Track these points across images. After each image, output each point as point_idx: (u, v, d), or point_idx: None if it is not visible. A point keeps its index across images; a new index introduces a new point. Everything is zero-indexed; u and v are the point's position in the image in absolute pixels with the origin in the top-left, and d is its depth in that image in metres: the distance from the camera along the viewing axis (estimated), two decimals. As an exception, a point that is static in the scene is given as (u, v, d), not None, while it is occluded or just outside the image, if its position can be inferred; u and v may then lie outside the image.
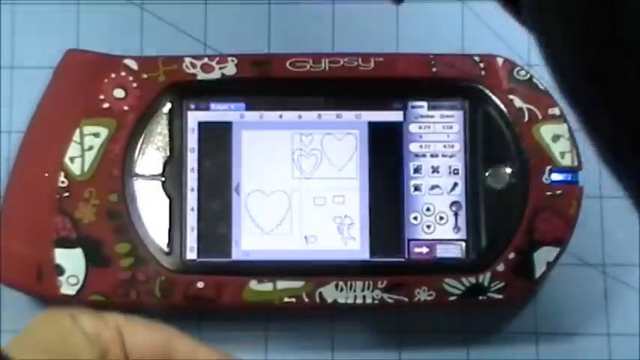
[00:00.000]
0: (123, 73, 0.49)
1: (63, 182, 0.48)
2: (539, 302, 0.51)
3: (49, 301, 0.51)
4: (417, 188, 0.49)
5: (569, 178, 0.48)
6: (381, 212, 0.49)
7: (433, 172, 0.49)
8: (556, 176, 0.48)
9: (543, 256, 0.48)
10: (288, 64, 0.49)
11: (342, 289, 0.48)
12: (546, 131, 0.49)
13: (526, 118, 0.49)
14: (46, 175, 0.48)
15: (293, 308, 0.48)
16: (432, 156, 0.49)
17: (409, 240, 0.49)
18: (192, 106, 0.50)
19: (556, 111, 0.49)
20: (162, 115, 0.49)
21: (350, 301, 0.48)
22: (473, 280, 0.48)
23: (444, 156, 0.49)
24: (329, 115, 0.50)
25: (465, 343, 0.51)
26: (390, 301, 0.48)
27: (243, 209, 0.49)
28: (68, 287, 0.47)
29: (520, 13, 0.29)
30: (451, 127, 0.49)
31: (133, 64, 0.49)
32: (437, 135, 0.49)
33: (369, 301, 0.48)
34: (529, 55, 0.53)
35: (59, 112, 0.49)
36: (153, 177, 0.49)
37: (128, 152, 0.49)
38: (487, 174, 0.49)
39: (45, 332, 0.35)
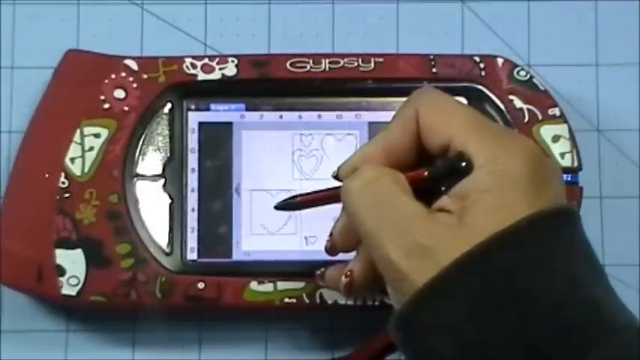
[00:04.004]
0: (123, 74, 0.49)
1: (63, 183, 0.48)
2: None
3: (49, 302, 0.51)
4: (417, 189, 0.49)
5: (569, 179, 0.48)
6: (382, 213, 0.49)
7: (433, 172, 0.49)
8: (556, 177, 0.48)
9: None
10: (288, 64, 0.49)
11: (342, 290, 0.48)
12: (546, 132, 0.49)
13: (526, 119, 0.49)
14: (47, 175, 0.48)
15: (293, 309, 0.48)
16: (432, 156, 0.49)
17: (409, 240, 0.49)
18: (193, 107, 0.50)
19: (556, 111, 0.49)
20: (162, 115, 0.49)
21: (350, 302, 0.48)
22: (473, 280, 0.48)
23: (444, 156, 0.49)
24: (329, 116, 0.50)
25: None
26: (390, 301, 0.48)
27: (243, 210, 0.49)
28: (69, 288, 0.47)
29: None
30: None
31: (133, 65, 0.49)
32: (437, 135, 0.49)
33: (369, 302, 0.48)
34: (529, 55, 0.53)
35: (59, 112, 0.49)
36: (153, 177, 0.49)
37: (128, 153, 0.49)
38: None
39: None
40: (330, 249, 0.42)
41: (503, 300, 0.32)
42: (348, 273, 0.41)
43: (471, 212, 0.34)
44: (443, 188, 0.36)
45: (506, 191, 0.34)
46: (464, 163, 0.35)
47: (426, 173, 0.37)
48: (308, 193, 0.42)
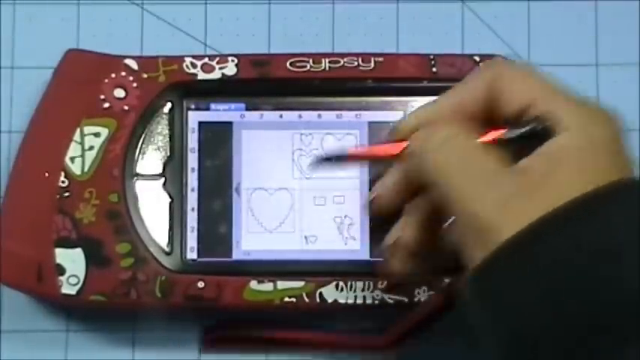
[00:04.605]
0: (123, 73, 0.49)
1: (63, 182, 0.48)
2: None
3: (49, 301, 0.51)
4: (417, 188, 0.49)
5: (569, 178, 0.48)
6: (382, 212, 0.49)
7: (433, 172, 0.49)
8: (556, 176, 0.48)
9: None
10: (288, 64, 0.49)
11: (342, 289, 0.48)
12: (546, 131, 0.49)
13: (526, 118, 0.49)
14: (47, 175, 0.48)
15: (293, 308, 0.48)
16: (432, 156, 0.49)
17: (409, 240, 0.49)
18: (193, 106, 0.50)
19: (556, 111, 0.49)
20: (162, 115, 0.49)
21: (350, 301, 0.48)
22: (473, 279, 0.48)
23: (444, 156, 0.49)
24: (329, 115, 0.50)
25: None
26: (390, 301, 0.48)
27: (243, 209, 0.49)
28: (68, 287, 0.47)
29: None
30: (451, 127, 0.49)
31: (133, 64, 0.49)
32: (437, 135, 0.49)
33: (369, 301, 0.48)
34: (529, 55, 0.53)
35: (59, 112, 0.49)
36: (153, 177, 0.49)
37: (128, 152, 0.49)
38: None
39: None
40: (373, 205, 0.42)
41: (597, 255, 0.32)
42: (400, 228, 0.41)
43: (559, 172, 0.34)
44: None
45: (597, 154, 0.34)
46: (544, 126, 0.35)
47: (502, 132, 0.37)
48: (361, 149, 0.42)
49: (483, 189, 0.35)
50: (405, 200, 0.41)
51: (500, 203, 0.34)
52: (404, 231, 0.41)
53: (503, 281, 0.34)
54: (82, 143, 0.48)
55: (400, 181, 0.41)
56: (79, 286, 0.47)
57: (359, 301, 0.48)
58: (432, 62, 0.49)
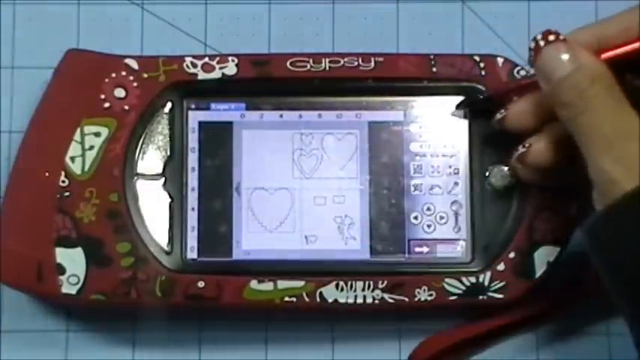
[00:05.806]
0: (123, 73, 0.49)
1: (63, 182, 0.48)
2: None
3: (49, 301, 0.51)
4: (417, 188, 0.49)
5: (570, 178, 0.48)
6: (382, 212, 0.49)
7: (433, 171, 0.49)
8: (556, 176, 0.48)
9: (543, 255, 0.48)
10: (288, 64, 0.49)
11: (342, 289, 0.48)
12: (546, 131, 0.49)
13: (526, 118, 0.49)
14: (47, 174, 0.48)
15: (293, 308, 0.48)
16: (432, 155, 0.49)
17: (409, 240, 0.49)
18: (193, 106, 0.50)
19: (556, 111, 0.49)
20: (162, 114, 0.49)
21: (350, 301, 0.48)
22: (473, 279, 0.48)
23: (444, 155, 0.49)
24: (329, 115, 0.50)
25: (465, 343, 0.51)
26: (390, 301, 0.48)
27: (243, 209, 0.49)
28: (69, 287, 0.47)
29: None
30: (451, 127, 0.49)
31: (133, 64, 0.49)
32: (437, 134, 0.49)
33: (369, 301, 0.48)
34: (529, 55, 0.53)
35: (59, 111, 0.49)
36: (153, 176, 0.49)
37: (129, 152, 0.49)
38: (487, 173, 0.49)
39: None
40: (502, 121, 0.45)
41: None
42: (527, 145, 0.44)
43: None
44: None
45: None
46: None
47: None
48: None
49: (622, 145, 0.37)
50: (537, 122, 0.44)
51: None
52: (532, 144, 0.44)
53: (624, 226, 0.37)
54: (82, 143, 0.48)
55: (532, 106, 0.44)
56: (79, 285, 0.47)
57: (359, 300, 0.48)
58: (432, 62, 0.49)
